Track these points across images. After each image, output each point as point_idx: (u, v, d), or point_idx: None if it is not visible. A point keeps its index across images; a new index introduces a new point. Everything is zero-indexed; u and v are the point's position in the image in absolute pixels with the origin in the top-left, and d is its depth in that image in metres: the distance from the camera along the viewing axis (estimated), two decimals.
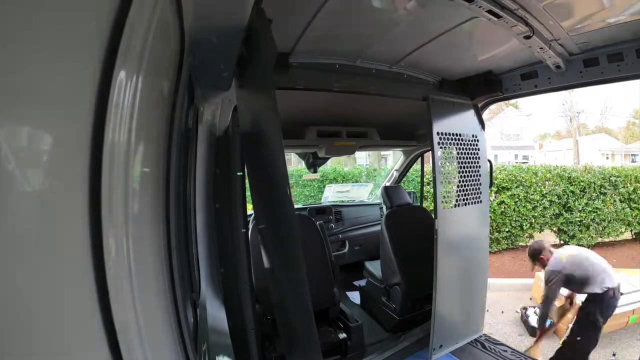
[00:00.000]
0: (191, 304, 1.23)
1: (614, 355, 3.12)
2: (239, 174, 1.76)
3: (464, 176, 2.64)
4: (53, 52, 0.37)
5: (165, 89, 0.81)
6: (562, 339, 3.00)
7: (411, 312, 2.91)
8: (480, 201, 2.74)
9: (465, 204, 2.64)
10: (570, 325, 2.84)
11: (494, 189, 6.38)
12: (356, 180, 7.66)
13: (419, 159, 4.14)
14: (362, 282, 3.61)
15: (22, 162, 0.34)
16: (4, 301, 0.32)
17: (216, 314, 1.68)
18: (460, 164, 2.63)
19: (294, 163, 8.92)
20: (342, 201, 4.79)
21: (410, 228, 3.11)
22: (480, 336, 2.82)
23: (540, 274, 4.55)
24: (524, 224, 6.67)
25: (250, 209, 1.72)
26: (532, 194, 6.63)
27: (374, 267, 3.33)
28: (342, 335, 2.57)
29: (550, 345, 3.48)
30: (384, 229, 3.02)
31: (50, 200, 0.38)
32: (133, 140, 0.49)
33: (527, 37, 1.90)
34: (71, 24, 0.40)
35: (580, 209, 6.71)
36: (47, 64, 0.36)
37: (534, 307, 3.89)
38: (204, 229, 1.73)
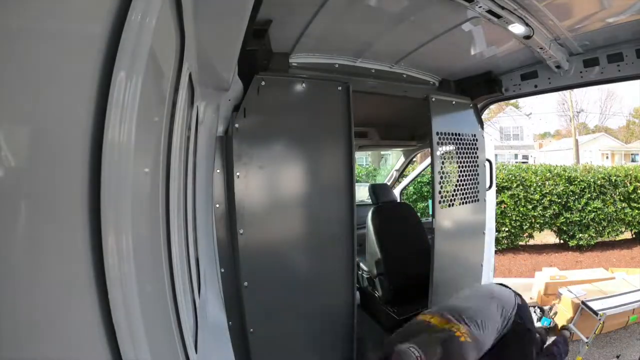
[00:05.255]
0: (191, 304, 1.23)
1: (617, 357, 3.11)
2: (237, 174, 1.76)
3: (463, 175, 2.65)
4: (53, 52, 0.37)
5: (165, 89, 0.81)
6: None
7: (408, 312, 2.92)
8: (478, 200, 2.75)
9: (463, 203, 2.64)
10: None
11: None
12: (356, 180, 7.64)
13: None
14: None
15: (22, 162, 0.34)
16: (4, 301, 0.32)
17: (216, 314, 1.69)
18: (459, 163, 2.64)
19: None
20: None
21: (394, 223, 3.25)
22: None
23: (540, 273, 4.56)
24: (524, 224, 6.67)
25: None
26: (532, 194, 6.63)
27: (360, 259, 3.45)
28: None
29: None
30: (370, 224, 3.15)
31: (50, 200, 0.38)
32: (133, 140, 0.49)
33: (527, 37, 1.90)
34: (71, 25, 0.40)
35: (580, 208, 6.70)
36: (47, 64, 0.36)
37: (533, 307, 3.88)
38: (204, 229, 1.73)
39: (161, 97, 0.78)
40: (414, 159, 5.17)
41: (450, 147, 2.59)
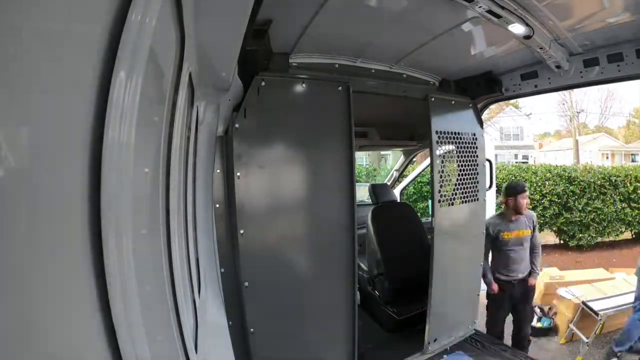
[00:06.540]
0: (191, 304, 1.23)
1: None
2: (237, 174, 1.76)
3: (462, 174, 2.65)
4: (53, 52, 0.37)
5: (165, 89, 0.81)
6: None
7: (407, 312, 2.93)
8: (477, 199, 2.75)
9: (463, 202, 2.64)
10: None
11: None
12: (356, 180, 7.64)
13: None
14: None
15: (22, 161, 0.34)
16: (4, 301, 0.32)
17: (216, 314, 1.68)
18: (459, 162, 2.64)
19: None
20: None
21: (394, 223, 3.27)
22: (478, 333, 2.83)
23: (539, 273, 4.55)
24: None
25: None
26: (532, 194, 6.63)
27: (360, 259, 3.43)
28: None
29: (550, 345, 3.48)
30: (370, 223, 3.17)
31: (50, 200, 0.38)
32: (133, 140, 0.49)
33: (527, 37, 1.90)
34: (71, 24, 0.40)
35: (580, 209, 6.70)
36: (47, 64, 0.36)
37: (534, 307, 3.88)
38: (204, 229, 1.73)
39: (161, 97, 0.78)
40: (414, 159, 5.17)
41: (450, 147, 2.59)
